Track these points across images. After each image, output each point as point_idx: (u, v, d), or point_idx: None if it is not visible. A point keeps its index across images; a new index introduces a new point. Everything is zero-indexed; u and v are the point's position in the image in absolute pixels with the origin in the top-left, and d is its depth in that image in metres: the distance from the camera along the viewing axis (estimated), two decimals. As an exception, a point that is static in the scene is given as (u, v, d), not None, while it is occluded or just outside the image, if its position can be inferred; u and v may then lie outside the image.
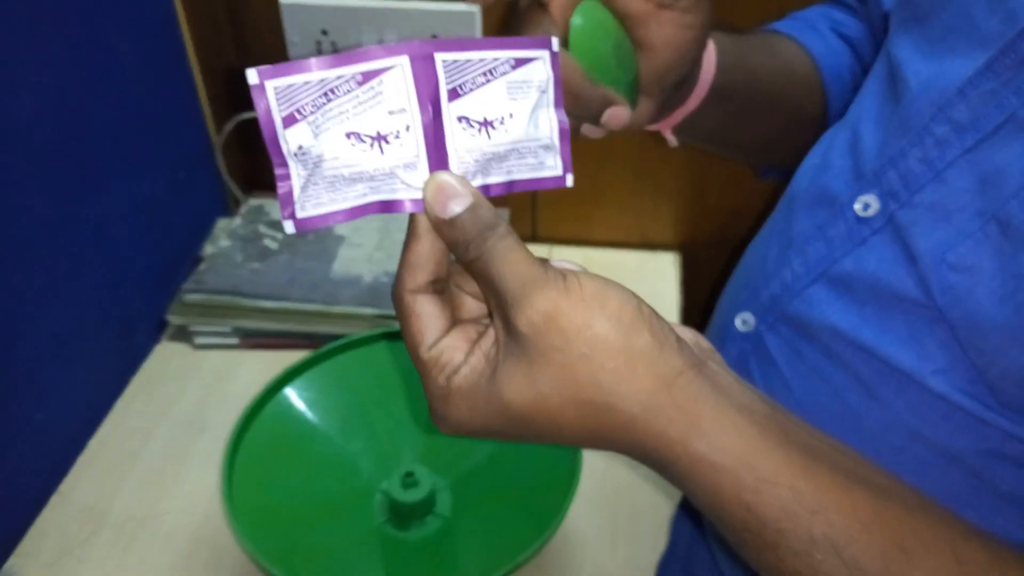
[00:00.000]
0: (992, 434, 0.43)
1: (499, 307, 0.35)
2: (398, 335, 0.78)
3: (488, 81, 0.36)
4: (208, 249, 1.01)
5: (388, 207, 0.36)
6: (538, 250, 0.90)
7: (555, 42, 0.38)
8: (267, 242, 1.02)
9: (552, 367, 0.34)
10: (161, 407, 0.88)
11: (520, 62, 0.37)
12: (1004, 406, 0.42)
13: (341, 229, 1.05)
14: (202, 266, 0.98)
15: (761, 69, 0.63)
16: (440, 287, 0.38)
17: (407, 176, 0.36)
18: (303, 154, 0.34)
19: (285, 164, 0.35)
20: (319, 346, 0.76)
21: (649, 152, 1.02)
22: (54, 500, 0.79)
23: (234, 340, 0.94)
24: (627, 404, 0.34)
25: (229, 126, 1.04)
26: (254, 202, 1.09)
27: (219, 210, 1.10)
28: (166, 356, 0.94)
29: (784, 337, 0.53)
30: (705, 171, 1.04)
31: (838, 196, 0.51)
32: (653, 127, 0.57)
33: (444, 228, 0.35)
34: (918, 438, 0.46)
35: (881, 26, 0.63)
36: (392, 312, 0.91)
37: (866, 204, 0.49)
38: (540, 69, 0.38)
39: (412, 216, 0.37)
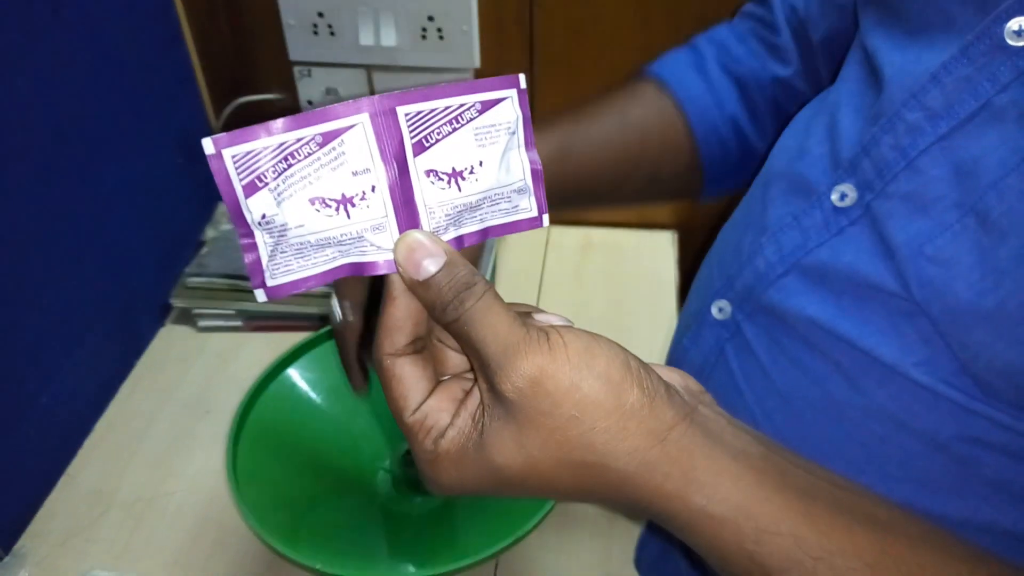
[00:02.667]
0: (977, 422, 0.43)
1: (482, 370, 0.34)
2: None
3: (455, 129, 0.35)
4: (210, 233, 1.02)
5: (360, 269, 0.35)
6: (537, 233, 0.90)
7: (522, 79, 0.36)
8: (268, 225, 1.02)
9: (541, 431, 0.33)
10: (166, 389, 0.89)
11: (487, 105, 0.36)
12: (990, 396, 0.42)
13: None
14: (204, 250, 0.98)
15: (590, 157, 0.65)
16: (420, 346, 0.36)
17: (376, 238, 0.35)
18: (267, 223, 0.33)
19: (251, 234, 0.33)
20: (321, 327, 0.77)
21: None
22: (62, 482, 0.80)
23: (237, 322, 0.95)
24: (621, 463, 0.34)
25: (228, 110, 1.04)
26: (254, 185, 1.10)
27: (220, 194, 1.10)
28: (170, 339, 0.95)
29: (762, 326, 0.53)
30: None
31: (815, 185, 0.50)
32: None
33: (419, 289, 0.34)
34: (902, 427, 0.45)
35: (807, 47, 0.64)
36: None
37: (843, 194, 0.48)
38: (508, 109, 0.36)
39: (387, 277, 0.35)
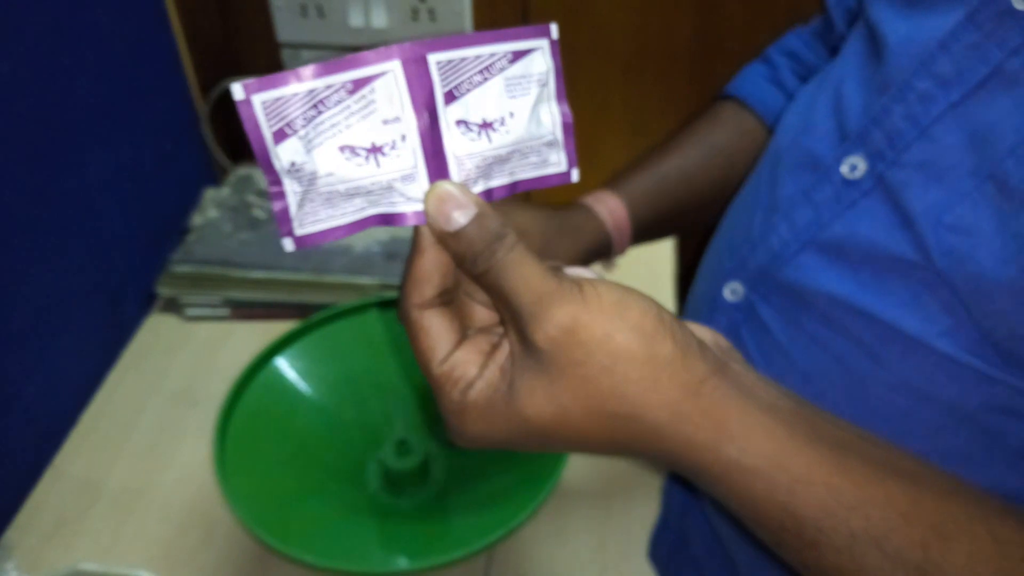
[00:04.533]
0: (1001, 391, 0.43)
1: (513, 321, 0.34)
2: (389, 304, 0.78)
3: (485, 80, 0.34)
4: (196, 219, 1.00)
5: (389, 220, 0.35)
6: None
7: (554, 29, 0.36)
8: (256, 211, 1.01)
9: (574, 381, 0.33)
10: (153, 379, 0.88)
11: (518, 55, 0.35)
12: (1012, 365, 0.42)
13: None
14: (191, 237, 0.97)
15: (683, 186, 0.69)
16: (448, 298, 0.36)
17: (406, 188, 0.34)
18: (296, 170, 0.33)
19: (279, 181, 0.33)
20: (310, 316, 0.76)
21: (647, 113, 1.01)
22: (48, 474, 0.79)
23: (224, 311, 0.94)
24: (653, 414, 0.34)
25: (214, 94, 1.03)
26: (241, 171, 1.08)
27: (206, 180, 1.09)
28: (156, 328, 0.94)
29: (778, 306, 0.52)
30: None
31: (823, 158, 0.50)
32: None
33: (449, 241, 0.34)
34: (926, 399, 0.45)
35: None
36: (383, 281, 0.90)
37: (853, 165, 0.48)
38: (539, 60, 0.36)
39: (416, 229, 0.35)
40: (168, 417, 0.84)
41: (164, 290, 0.93)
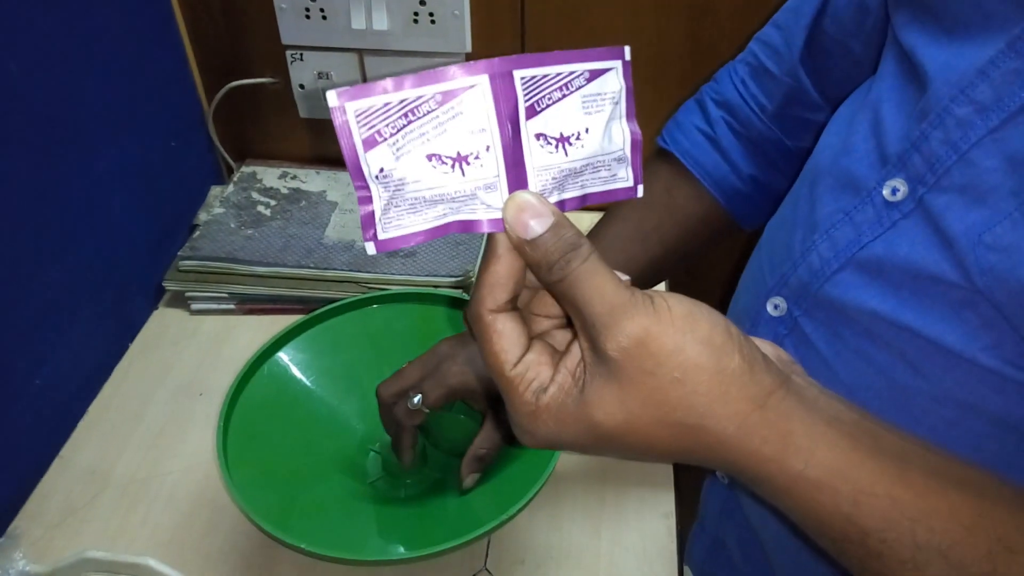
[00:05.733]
0: None
1: (585, 329, 0.35)
2: (390, 299, 0.79)
3: (564, 96, 0.36)
4: (202, 216, 1.02)
5: (467, 227, 0.36)
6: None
7: (627, 51, 0.37)
8: (260, 209, 1.03)
9: (644, 390, 0.34)
10: (160, 372, 0.89)
11: (594, 74, 0.37)
12: None
13: (333, 195, 1.06)
14: (197, 233, 0.98)
15: (635, 262, 0.71)
16: (515, 305, 0.37)
17: (487, 197, 0.35)
18: (384, 176, 0.34)
19: (367, 187, 0.34)
20: (313, 310, 0.77)
21: (639, 117, 1.02)
22: (56, 464, 0.80)
23: (230, 305, 0.95)
24: (721, 426, 0.34)
25: (220, 93, 1.04)
26: (247, 169, 1.10)
27: (212, 177, 1.11)
28: (163, 322, 0.95)
29: (821, 320, 0.53)
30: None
31: (864, 181, 0.51)
32: None
33: (526, 248, 0.35)
34: (971, 410, 0.46)
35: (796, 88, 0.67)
36: (382, 276, 0.92)
37: (894, 188, 0.48)
38: (613, 80, 0.37)
39: (491, 236, 0.36)
40: (174, 408, 0.86)
41: (171, 285, 0.94)
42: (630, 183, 0.39)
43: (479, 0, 0.96)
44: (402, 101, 0.33)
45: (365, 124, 0.33)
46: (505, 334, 0.36)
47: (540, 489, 0.61)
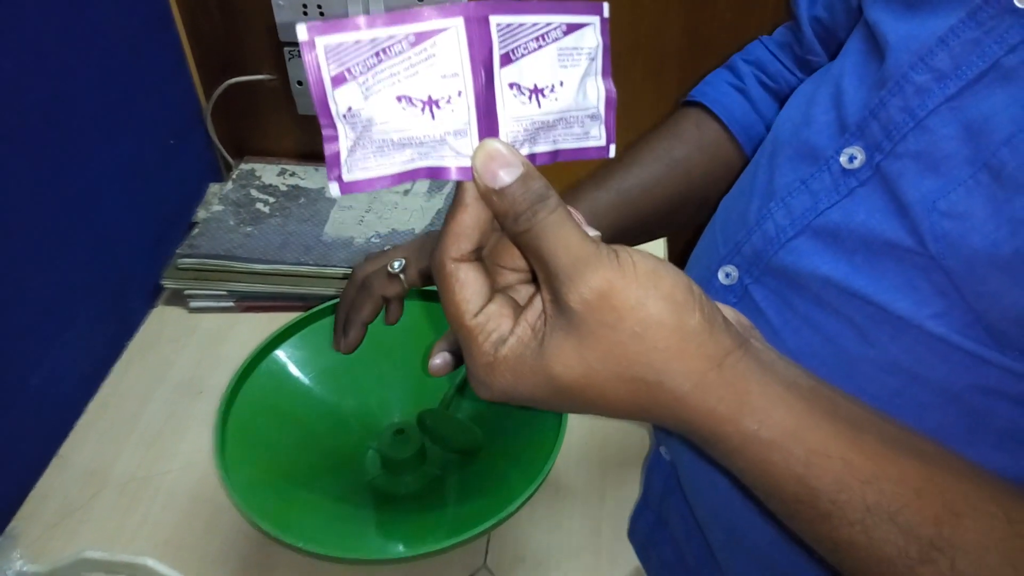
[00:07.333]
0: (990, 371, 0.44)
1: (548, 281, 0.35)
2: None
3: (540, 47, 0.35)
4: (201, 214, 1.02)
5: (435, 173, 0.35)
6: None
7: (606, 8, 0.37)
8: (259, 206, 1.02)
9: (603, 344, 0.34)
10: (158, 370, 0.89)
11: (571, 28, 0.36)
12: (1003, 346, 0.43)
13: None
14: (195, 231, 0.98)
15: (645, 199, 0.70)
16: (480, 255, 0.37)
17: (457, 143, 0.35)
18: (352, 116, 0.33)
19: (333, 125, 0.34)
20: (312, 307, 0.77)
21: (637, 110, 1.02)
22: (55, 463, 0.80)
23: (229, 303, 0.95)
24: (678, 383, 0.35)
25: (218, 91, 1.04)
26: (245, 166, 1.09)
27: (210, 175, 1.10)
28: (162, 320, 0.95)
29: (771, 288, 0.54)
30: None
31: (822, 150, 0.52)
32: None
33: (494, 198, 0.35)
34: (915, 379, 0.46)
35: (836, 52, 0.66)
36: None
37: (852, 156, 0.49)
38: (591, 36, 0.37)
39: (459, 184, 0.36)
40: (173, 407, 0.85)
41: (169, 283, 0.94)
42: (602, 142, 0.39)
43: None
44: (374, 39, 0.32)
45: (335, 60, 0.32)
46: (467, 284, 0.36)
47: (539, 486, 0.61)
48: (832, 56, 0.67)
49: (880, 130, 0.48)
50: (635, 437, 0.82)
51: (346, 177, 0.35)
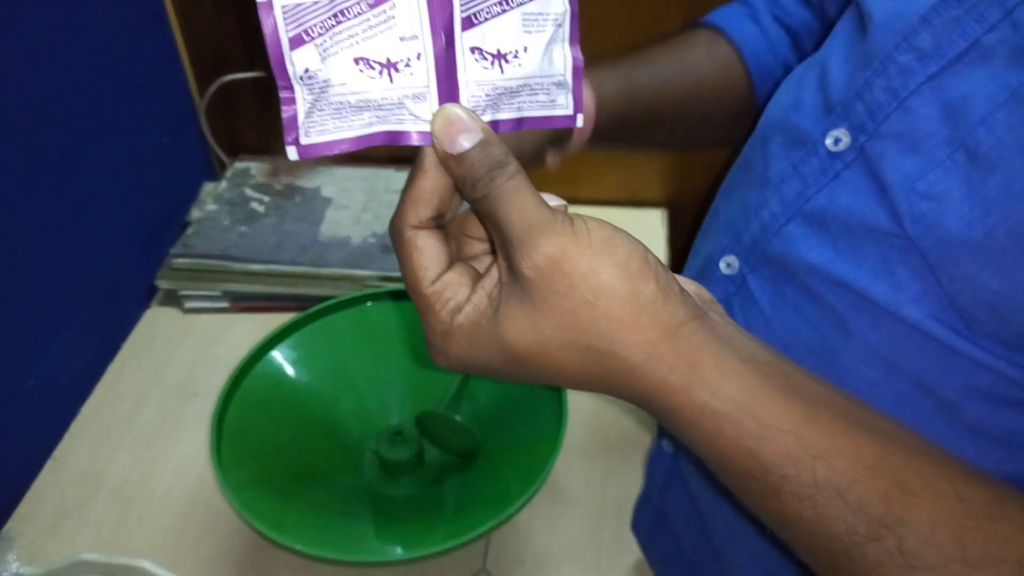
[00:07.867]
0: (962, 364, 0.44)
1: (503, 248, 0.35)
2: (385, 296, 0.78)
3: (504, 11, 0.35)
4: (195, 214, 1.01)
5: (394, 138, 0.35)
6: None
7: None
8: (254, 205, 1.02)
9: (555, 312, 0.34)
10: (153, 371, 0.89)
11: None
12: (975, 332, 0.43)
13: (328, 191, 1.05)
14: (190, 231, 0.98)
15: (653, 95, 0.68)
16: (441, 222, 0.37)
17: (415, 107, 0.35)
18: (309, 78, 0.33)
19: (291, 87, 0.33)
20: (308, 308, 0.76)
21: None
22: (49, 465, 0.80)
23: (224, 303, 0.95)
24: (630, 352, 0.34)
25: (212, 89, 1.03)
26: (240, 165, 1.09)
27: (205, 174, 1.10)
28: (156, 321, 0.94)
29: (766, 277, 0.54)
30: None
31: (810, 133, 0.51)
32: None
33: (452, 163, 0.35)
34: (893, 370, 0.46)
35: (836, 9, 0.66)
36: (380, 273, 0.91)
37: (837, 138, 0.49)
38: (557, 1, 0.36)
39: (419, 149, 0.36)
40: (168, 408, 0.85)
41: (163, 283, 0.93)
42: (569, 111, 0.38)
43: None
44: (333, 1, 0.32)
45: (293, 21, 0.32)
46: (425, 251, 0.36)
47: (538, 488, 0.61)
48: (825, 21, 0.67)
49: (864, 111, 0.47)
50: (636, 434, 0.81)
51: (303, 140, 0.34)
